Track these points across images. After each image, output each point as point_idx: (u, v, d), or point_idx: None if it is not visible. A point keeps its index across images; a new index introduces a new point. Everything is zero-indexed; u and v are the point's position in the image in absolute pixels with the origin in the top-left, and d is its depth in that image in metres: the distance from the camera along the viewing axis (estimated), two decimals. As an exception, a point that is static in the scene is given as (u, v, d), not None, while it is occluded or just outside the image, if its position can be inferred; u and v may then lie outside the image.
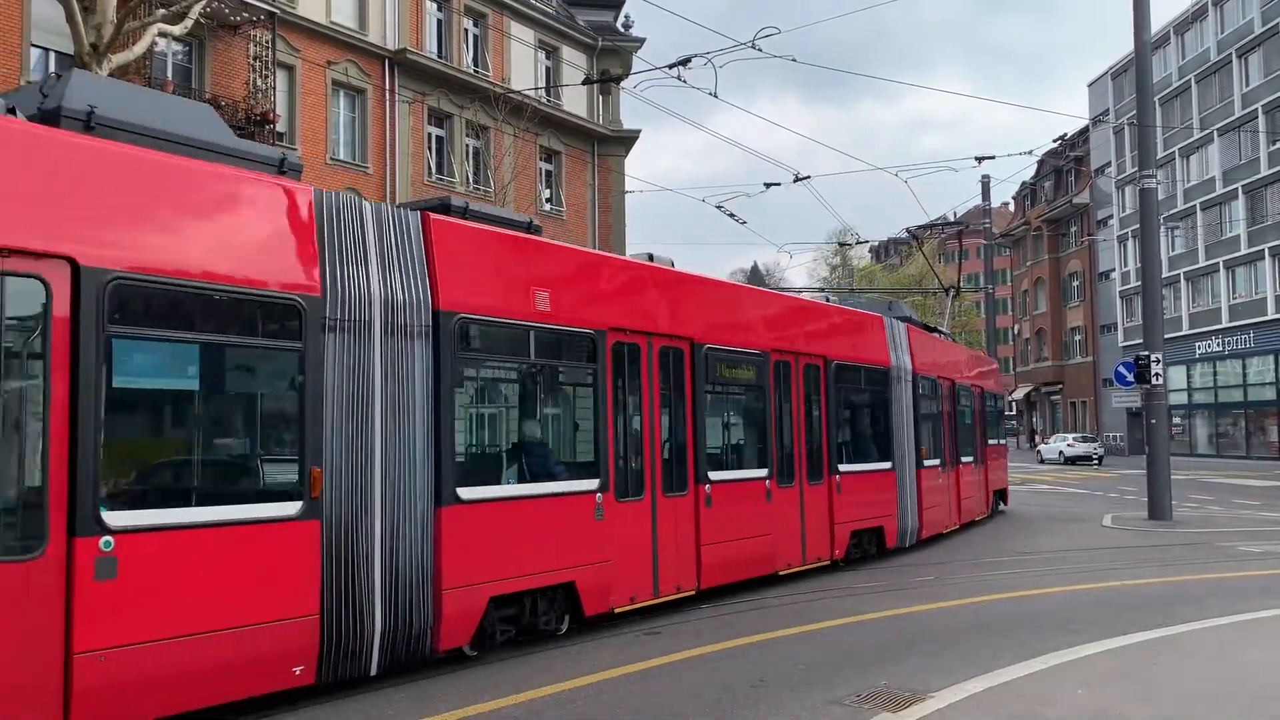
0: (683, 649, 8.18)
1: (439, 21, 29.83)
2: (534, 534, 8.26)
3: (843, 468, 13.07)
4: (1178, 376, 47.30)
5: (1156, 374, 19.22)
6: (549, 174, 33.34)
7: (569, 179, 33.65)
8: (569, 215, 33.45)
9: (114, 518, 5.54)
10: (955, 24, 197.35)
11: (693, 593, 10.14)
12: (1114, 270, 55.65)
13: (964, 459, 18.28)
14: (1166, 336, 24.60)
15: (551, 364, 9.13)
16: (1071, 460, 44.88)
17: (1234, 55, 45.21)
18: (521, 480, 8.47)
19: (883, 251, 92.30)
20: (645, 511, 9.55)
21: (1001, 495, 21.76)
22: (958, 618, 9.67)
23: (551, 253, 9.06)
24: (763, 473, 11.45)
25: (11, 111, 5.83)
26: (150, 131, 6.31)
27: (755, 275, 63.80)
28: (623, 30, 36.12)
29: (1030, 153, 29.99)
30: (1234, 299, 45.49)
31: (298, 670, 6.42)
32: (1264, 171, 43.17)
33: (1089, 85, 60.62)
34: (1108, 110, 55.83)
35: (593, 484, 8.88)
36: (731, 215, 25.25)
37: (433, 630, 7.29)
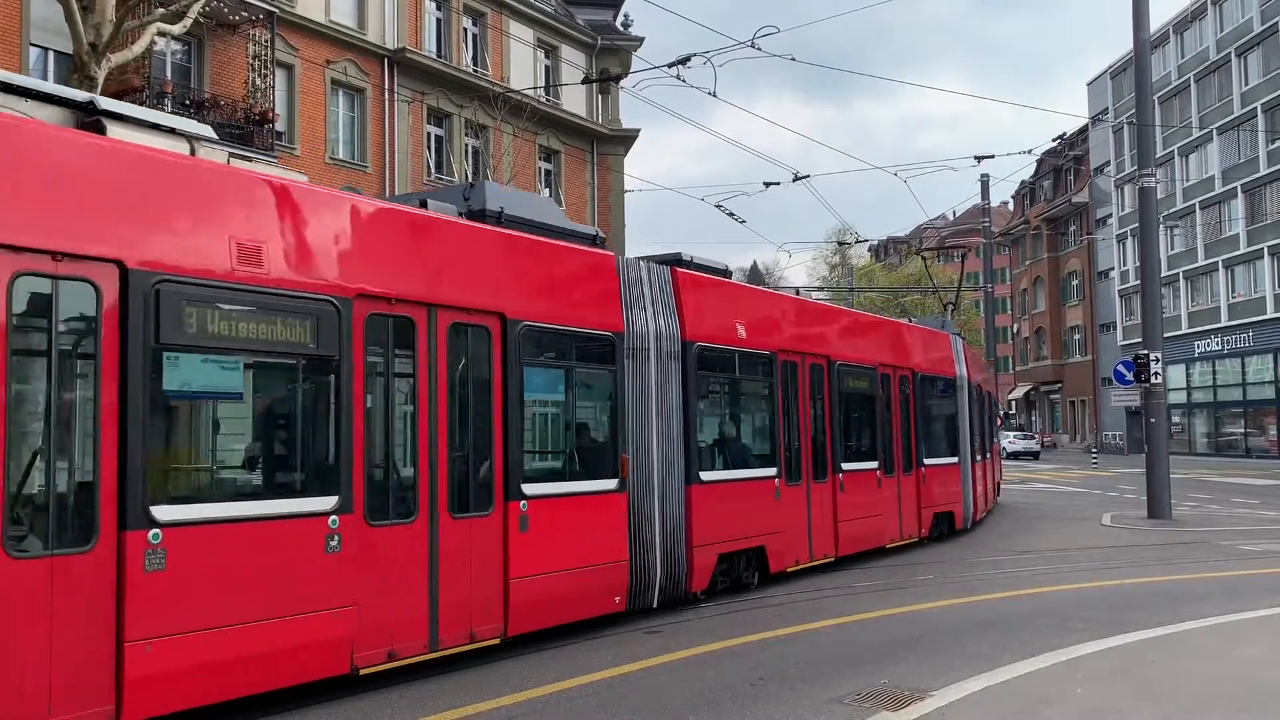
0: (683, 648, 8.19)
1: (438, 21, 29.82)
2: (741, 508, 10.85)
3: (927, 461, 15.68)
4: (1177, 375, 47.32)
5: (1155, 373, 19.23)
6: (548, 173, 33.33)
7: (568, 178, 33.65)
8: (568, 214, 33.33)
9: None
10: (955, 23, 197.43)
11: (833, 558, 12.65)
12: (1113, 269, 55.67)
13: (988, 453, 20.61)
14: (1165, 335, 24.60)
15: (748, 379, 11.65)
16: (1014, 455, 46.12)
17: (1233, 54, 45.22)
18: (730, 467, 11.07)
19: (882, 251, 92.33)
20: (803, 494, 12.08)
21: (997, 486, 23.88)
22: (957, 616, 9.68)
23: (744, 293, 12.18)
24: (874, 465, 14.03)
25: (423, 204, 8.05)
26: (531, 222, 8.95)
27: (755, 274, 63.79)
28: (622, 29, 36.12)
29: (1029, 152, 30.01)
30: (1233, 298, 45.51)
31: (616, 599, 9.08)
32: (1263, 170, 43.18)
33: (1088, 84, 60.65)
34: (1107, 109, 55.84)
35: (772, 471, 11.49)
36: (731, 214, 25.28)
37: (687, 576, 9.94)
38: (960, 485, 17.25)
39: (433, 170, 29.17)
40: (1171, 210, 48.42)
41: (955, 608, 10.19)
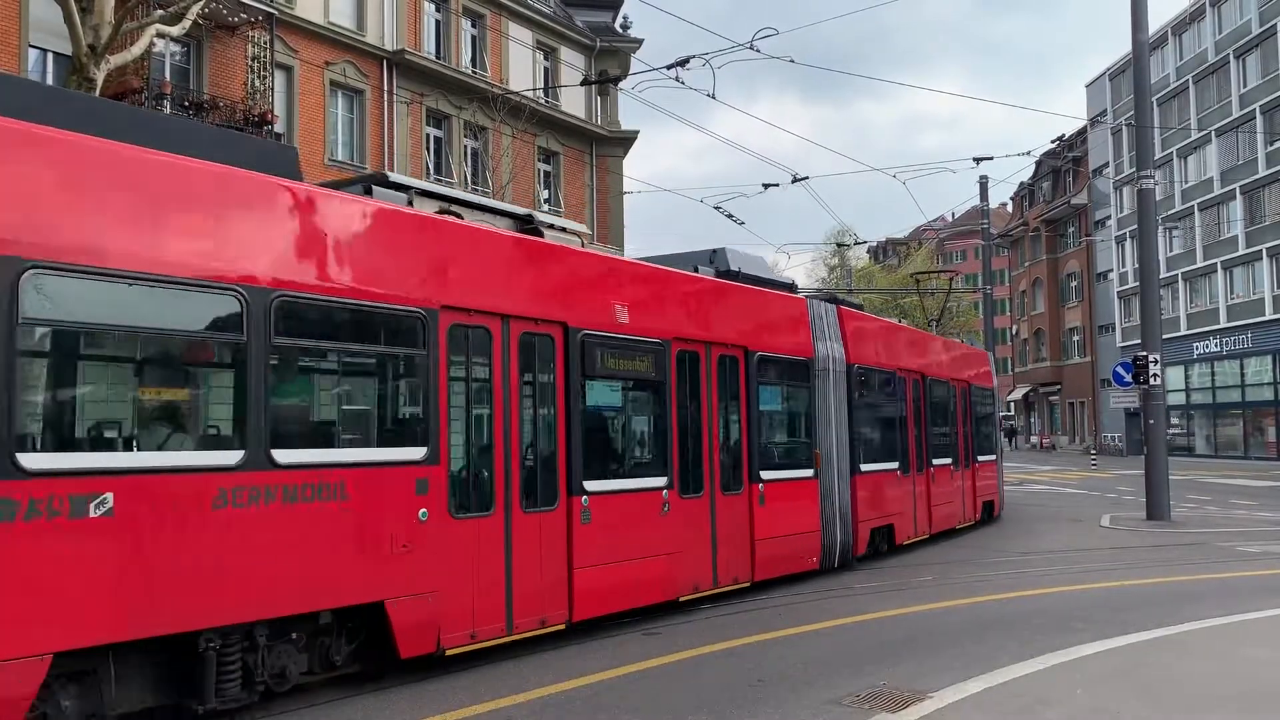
0: (682, 649, 8.18)
1: (437, 22, 29.83)
2: (881, 494, 13.99)
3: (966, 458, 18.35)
4: (1175, 377, 47.31)
5: (1154, 374, 19.23)
6: (547, 174, 33.34)
7: (567, 179, 33.66)
8: (567, 216, 33.43)
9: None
10: (956, 24, 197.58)
11: (927, 536, 15.66)
12: (1112, 271, 55.67)
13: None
14: (1164, 337, 24.61)
15: (886, 393, 14.58)
16: None
17: (1232, 56, 45.24)
18: (877, 462, 13.93)
19: (880, 252, 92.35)
20: (911, 483, 15.21)
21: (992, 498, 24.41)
22: (956, 617, 9.68)
23: (876, 323, 15.40)
24: (949, 460, 17.12)
25: (695, 269, 11.32)
26: (757, 278, 12.12)
27: (753, 276, 63.74)
28: (621, 31, 36.13)
29: (1028, 153, 30.14)
30: (1232, 299, 45.51)
31: (813, 560, 12.14)
32: (1262, 172, 43.19)
33: (1087, 86, 60.65)
34: (1105, 111, 55.86)
35: (897, 465, 14.61)
36: (730, 216, 25.34)
37: (852, 545, 12.98)
38: (998, 481, 20.09)
39: (432, 172, 29.17)
40: (1170, 212, 48.44)
41: (955, 609, 10.19)
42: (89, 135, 5.76)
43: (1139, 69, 20.41)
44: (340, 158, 26.75)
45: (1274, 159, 42.50)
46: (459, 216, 8.16)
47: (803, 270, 78.85)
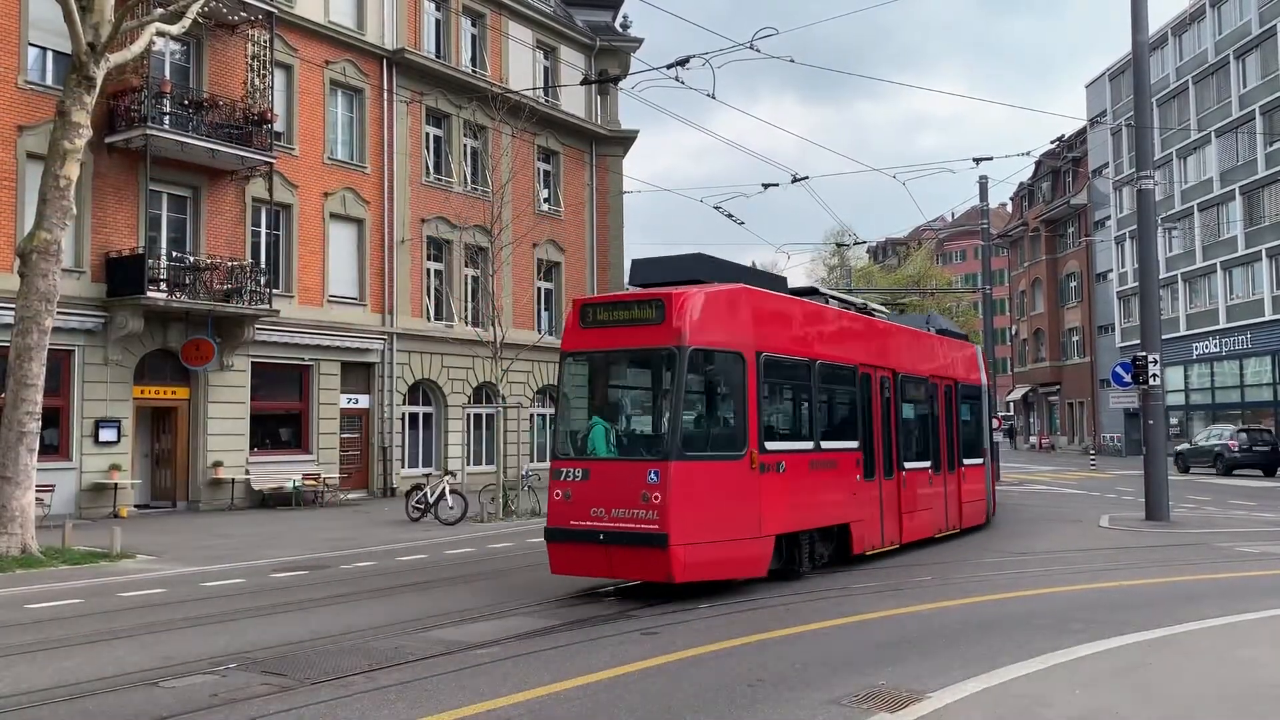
0: (680, 649, 8.17)
1: (437, 21, 29.83)
2: (975, 486, 18.24)
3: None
4: (1175, 377, 47.31)
5: (1154, 374, 19.24)
6: (547, 174, 33.34)
7: (567, 179, 33.66)
8: (567, 215, 33.45)
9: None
10: (957, 24, 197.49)
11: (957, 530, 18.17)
12: (1111, 271, 55.66)
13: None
14: (1164, 337, 24.60)
15: (977, 406, 19.39)
16: None
17: (1231, 56, 45.23)
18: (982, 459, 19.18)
19: (880, 252, 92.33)
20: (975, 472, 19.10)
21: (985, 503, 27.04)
22: (955, 618, 9.68)
23: (972, 351, 19.84)
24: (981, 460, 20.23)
25: (927, 321, 19.39)
26: (952, 331, 19.65)
27: (753, 276, 63.69)
28: (621, 30, 36.12)
29: (1028, 154, 30.18)
30: (1231, 300, 45.51)
31: (983, 518, 18.60)
32: (1261, 172, 43.18)
33: (1086, 86, 60.64)
34: (1105, 111, 55.85)
35: (981, 460, 18.89)
36: (729, 216, 25.35)
37: (993, 513, 19.52)
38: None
39: (431, 171, 29.16)
40: (1170, 212, 48.43)
41: (953, 609, 10.19)
42: (773, 293, 12.21)
43: (1139, 69, 20.41)
44: (340, 157, 26.75)
45: (1273, 159, 42.49)
46: (867, 311, 15.57)
47: (802, 270, 78.84)
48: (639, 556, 10.06)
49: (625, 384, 11.99)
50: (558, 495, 10.64)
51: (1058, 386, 63.66)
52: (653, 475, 10.01)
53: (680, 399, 10.27)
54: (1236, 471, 34.32)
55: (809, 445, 12.27)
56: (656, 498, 9.91)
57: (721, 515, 10.51)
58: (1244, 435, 35.15)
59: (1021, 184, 68.29)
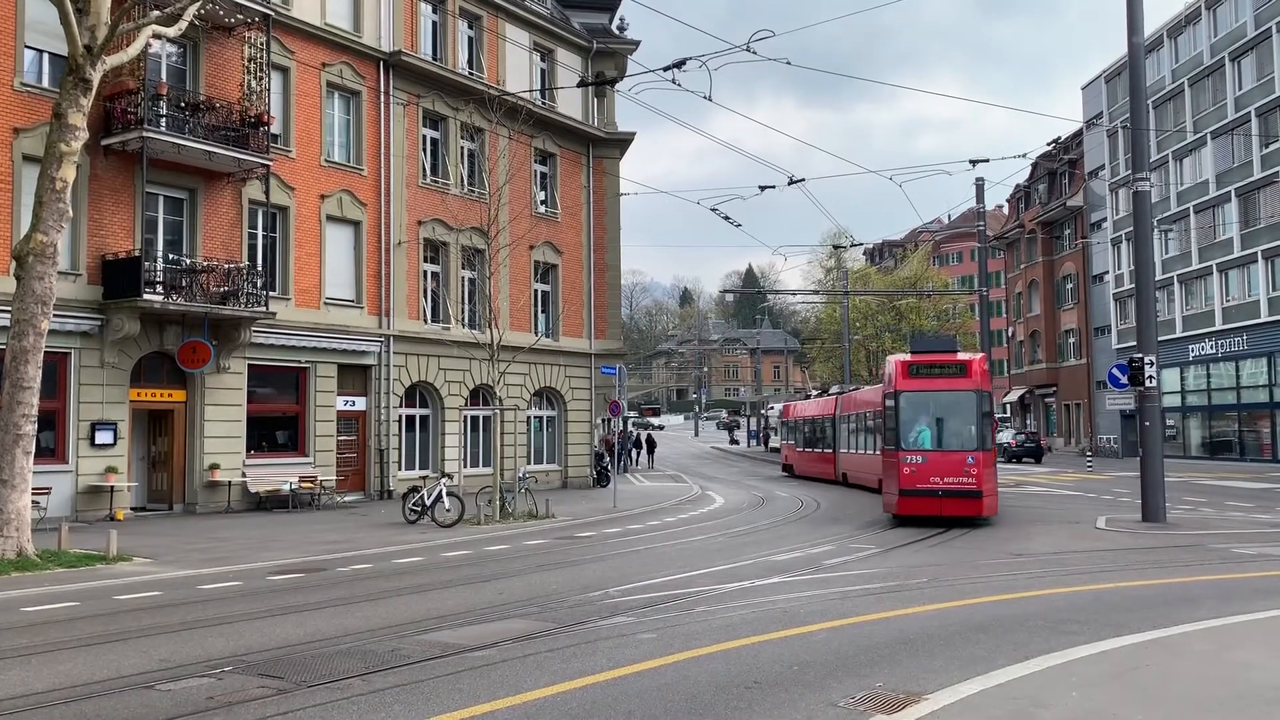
0: (678, 651, 8.18)
1: (434, 24, 29.82)
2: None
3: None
4: (1171, 379, 47.39)
5: (1150, 376, 19.27)
6: (543, 176, 33.33)
7: (563, 181, 33.65)
8: (563, 217, 33.44)
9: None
10: (955, 26, 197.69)
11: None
12: (1108, 273, 55.74)
13: None
14: (1160, 339, 24.65)
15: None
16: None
17: (1227, 58, 45.32)
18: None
19: (877, 254, 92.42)
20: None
21: None
22: (952, 619, 9.69)
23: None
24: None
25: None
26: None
27: (750, 278, 63.80)
28: (617, 33, 36.12)
29: (1024, 156, 30.19)
30: (1227, 301, 45.60)
31: None
32: (1257, 174, 43.28)
33: (1082, 88, 60.72)
34: (1101, 113, 55.94)
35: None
36: (726, 218, 25.28)
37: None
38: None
39: (428, 173, 29.15)
40: (1166, 214, 48.51)
41: (950, 611, 10.20)
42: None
43: (1134, 72, 20.44)
44: (336, 159, 26.73)
45: (1269, 161, 42.58)
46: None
47: (799, 272, 78.84)
48: (963, 503, 18.93)
49: (940, 410, 19.87)
50: (907, 470, 19.27)
51: (1054, 388, 63.71)
52: (970, 460, 19.13)
53: (981, 419, 19.45)
54: (1014, 460, 47.44)
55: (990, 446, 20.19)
56: (974, 470, 19.01)
57: (994, 481, 19.79)
58: (1020, 436, 52.45)
59: (1018, 186, 68.37)
